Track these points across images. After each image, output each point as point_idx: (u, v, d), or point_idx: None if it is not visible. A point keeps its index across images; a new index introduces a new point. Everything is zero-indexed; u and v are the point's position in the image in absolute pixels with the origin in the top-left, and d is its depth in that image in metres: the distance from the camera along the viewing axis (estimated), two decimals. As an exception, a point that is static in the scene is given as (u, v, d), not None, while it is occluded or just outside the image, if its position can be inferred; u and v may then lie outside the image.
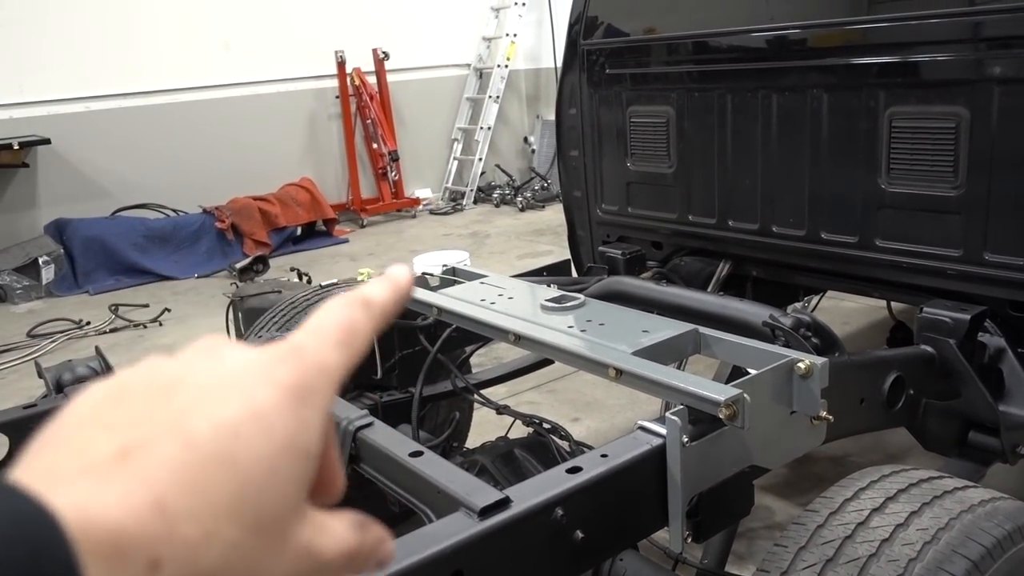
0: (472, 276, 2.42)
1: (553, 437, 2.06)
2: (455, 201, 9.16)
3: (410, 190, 9.02)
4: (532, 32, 9.75)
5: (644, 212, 3.01)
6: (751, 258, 2.75)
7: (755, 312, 2.07)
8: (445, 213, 8.87)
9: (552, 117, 3.66)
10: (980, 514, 1.23)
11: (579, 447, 1.96)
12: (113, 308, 5.77)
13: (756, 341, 1.72)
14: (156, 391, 0.36)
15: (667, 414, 1.36)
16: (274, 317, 2.50)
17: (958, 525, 1.19)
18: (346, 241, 7.86)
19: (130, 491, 0.32)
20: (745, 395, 1.38)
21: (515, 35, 9.23)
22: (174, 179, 7.51)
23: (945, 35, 2.08)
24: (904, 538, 1.17)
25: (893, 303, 3.14)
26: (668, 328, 1.79)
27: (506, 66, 9.23)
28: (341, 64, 8.25)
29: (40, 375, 1.96)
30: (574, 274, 3.20)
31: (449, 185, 9.38)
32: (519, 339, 1.86)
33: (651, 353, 1.68)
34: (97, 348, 2.04)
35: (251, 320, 3.06)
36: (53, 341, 5.28)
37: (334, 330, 0.42)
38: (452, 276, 2.46)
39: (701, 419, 1.40)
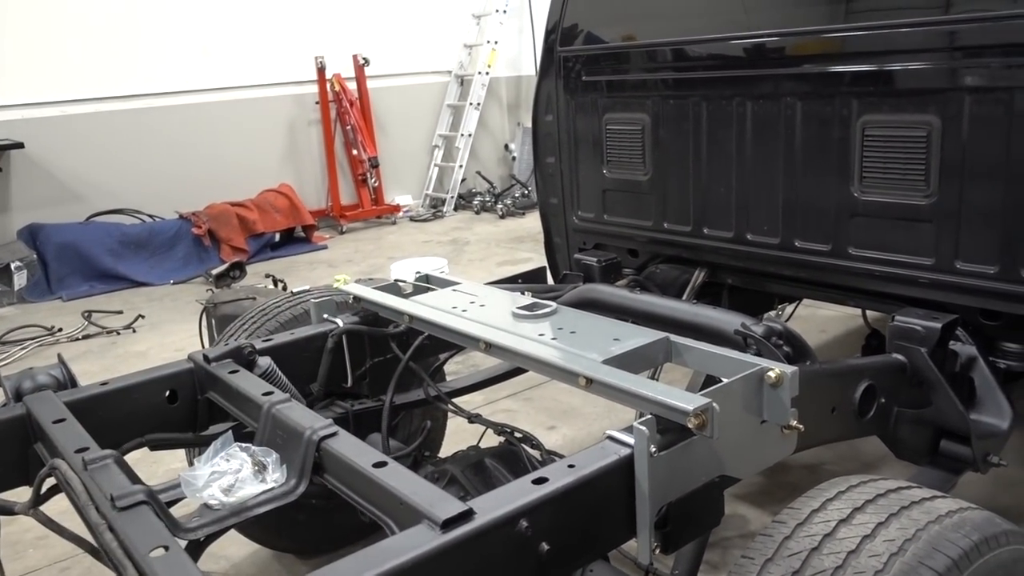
0: (446, 283, 2.40)
1: (524, 446, 2.04)
2: (435, 208, 9.14)
3: (390, 197, 8.99)
4: (513, 39, 9.76)
5: (620, 220, 3.01)
6: (726, 266, 2.74)
7: (727, 320, 2.07)
8: (425, 220, 8.85)
9: (531, 124, 3.64)
10: (948, 525, 1.22)
11: (551, 456, 1.93)
12: (86, 314, 5.70)
13: (727, 349, 1.71)
14: None
15: (635, 423, 1.35)
16: (244, 324, 2.47)
17: (925, 536, 1.18)
18: (325, 248, 7.82)
19: None
20: (714, 404, 1.37)
21: (496, 42, 9.24)
22: (151, 184, 7.43)
23: (916, 44, 2.08)
24: (871, 550, 1.16)
25: (869, 311, 3.15)
26: (639, 336, 1.78)
27: (487, 73, 9.24)
28: (321, 70, 8.22)
29: (-2, 383, 1.91)
30: (550, 281, 3.19)
31: (429, 192, 9.36)
32: (490, 347, 1.85)
33: (622, 361, 1.66)
34: (60, 356, 1.99)
35: (224, 326, 3.03)
36: (23, 348, 5.20)
37: None
38: (425, 283, 2.43)
39: (670, 428, 1.39)
